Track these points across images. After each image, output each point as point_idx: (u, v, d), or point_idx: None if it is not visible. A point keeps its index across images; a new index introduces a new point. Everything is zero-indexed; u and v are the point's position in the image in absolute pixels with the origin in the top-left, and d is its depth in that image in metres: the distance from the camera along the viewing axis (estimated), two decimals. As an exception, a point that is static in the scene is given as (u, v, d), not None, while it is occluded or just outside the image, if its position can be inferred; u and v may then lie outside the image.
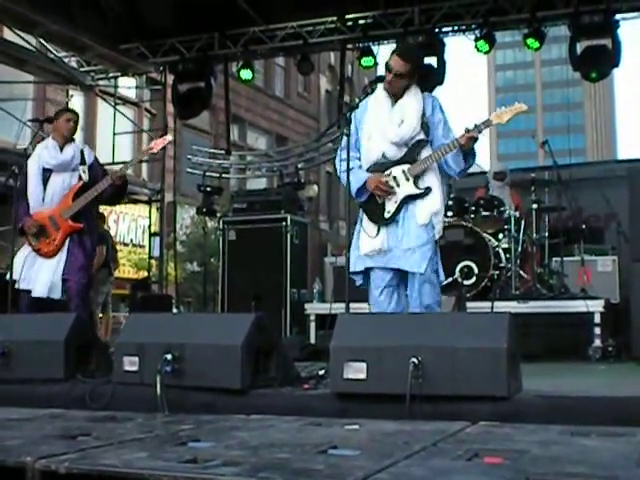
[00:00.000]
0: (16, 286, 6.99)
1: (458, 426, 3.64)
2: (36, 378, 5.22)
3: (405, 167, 5.62)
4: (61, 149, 7.14)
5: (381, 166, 5.68)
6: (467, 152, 5.56)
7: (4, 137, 15.02)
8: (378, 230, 5.65)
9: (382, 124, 5.67)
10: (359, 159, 5.78)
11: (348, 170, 5.55)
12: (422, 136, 5.65)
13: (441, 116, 5.73)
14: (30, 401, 4.96)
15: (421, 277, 5.53)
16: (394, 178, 5.63)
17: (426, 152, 5.65)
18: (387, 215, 5.64)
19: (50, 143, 7.21)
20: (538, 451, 2.98)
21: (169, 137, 7.46)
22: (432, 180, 5.66)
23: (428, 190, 5.61)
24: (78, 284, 6.95)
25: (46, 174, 7.09)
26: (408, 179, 5.61)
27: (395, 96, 5.69)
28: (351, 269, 5.75)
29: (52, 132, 7.31)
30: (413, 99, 5.67)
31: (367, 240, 5.68)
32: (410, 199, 5.63)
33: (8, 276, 7.07)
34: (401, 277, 5.70)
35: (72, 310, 6.71)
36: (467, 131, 5.47)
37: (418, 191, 5.61)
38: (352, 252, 5.78)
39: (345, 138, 5.71)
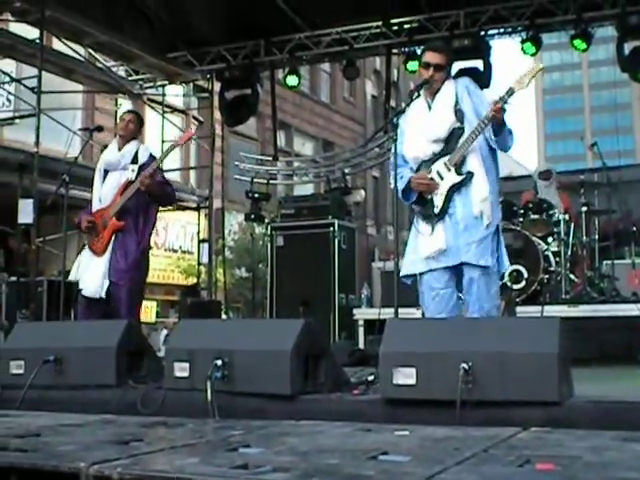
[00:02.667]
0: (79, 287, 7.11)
1: (509, 432, 3.61)
2: (88, 384, 5.27)
3: (446, 159, 5.59)
4: (120, 149, 7.25)
5: (427, 164, 5.67)
6: (500, 125, 5.41)
7: (55, 146, 15.19)
8: (433, 228, 5.60)
9: (422, 126, 5.69)
10: (411, 168, 5.78)
11: (396, 175, 5.56)
12: (457, 124, 5.58)
13: (479, 93, 5.71)
14: (82, 407, 5.01)
15: (481, 272, 5.47)
16: (437, 172, 5.61)
17: (463, 139, 5.58)
18: (436, 210, 5.59)
19: (113, 144, 7.36)
20: (590, 457, 2.95)
21: (192, 130, 7.47)
22: (474, 165, 5.54)
23: (470, 175, 5.51)
24: (125, 288, 7.00)
25: (105, 174, 7.23)
26: (450, 169, 5.56)
27: (432, 96, 5.70)
28: (407, 272, 5.70)
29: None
30: (446, 93, 5.65)
31: (425, 241, 5.62)
32: (456, 189, 5.55)
33: (70, 279, 7.17)
34: (458, 280, 5.64)
35: (122, 314, 6.79)
36: (494, 103, 5.36)
37: (460, 178, 5.52)
38: (407, 255, 5.75)
39: (395, 153, 5.74)
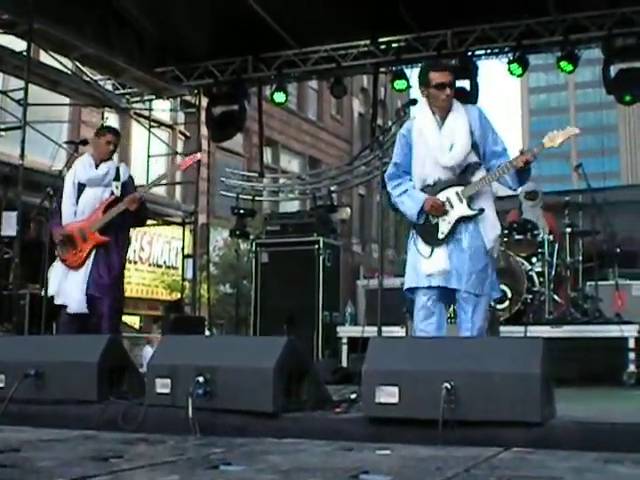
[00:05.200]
0: (55, 302, 7.09)
1: (491, 452, 3.61)
2: (69, 399, 5.24)
3: (459, 189, 5.65)
4: (97, 166, 7.24)
5: (435, 187, 5.71)
6: (524, 172, 5.62)
7: (40, 159, 15.15)
8: (432, 251, 5.67)
9: (433, 151, 5.70)
10: (411, 180, 5.82)
11: (395, 189, 5.58)
12: (474, 158, 5.69)
13: (487, 124, 5.77)
14: (62, 422, 4.99)
15: (477, 298, 5.58)
16: (448, 200, 5.66)
17: (479, 174, 5.69)
18: (441, 236, 5.67)
19: (86, 159, 7.34)
20: (571, 478, 2.95)
21: (198, 155, 7.56)
22: (486, 202, 5.71)
23: (481, 211, 5.64)
24: (107, 303, 7.02)
25: (80, 188, 7.22)
26: (462, 200, 5.64)
27: (441, 116, 5.72)
28: (409, 285, 5.76)
29: (92, 148, 7.41)
30: (459, 118, 5.70)
31: (425, 262, 5.68)
32: (464, 220, 5.66)
33: (44, 293, 7.15)
34: (442, 293, 5.71)
35: (103, 330, 6.79)
36: (521, 153, 5.51)
37: (472, 212, 5.65)
38: (408, 272, 5.79)
39: (391, 165, 5.84)
